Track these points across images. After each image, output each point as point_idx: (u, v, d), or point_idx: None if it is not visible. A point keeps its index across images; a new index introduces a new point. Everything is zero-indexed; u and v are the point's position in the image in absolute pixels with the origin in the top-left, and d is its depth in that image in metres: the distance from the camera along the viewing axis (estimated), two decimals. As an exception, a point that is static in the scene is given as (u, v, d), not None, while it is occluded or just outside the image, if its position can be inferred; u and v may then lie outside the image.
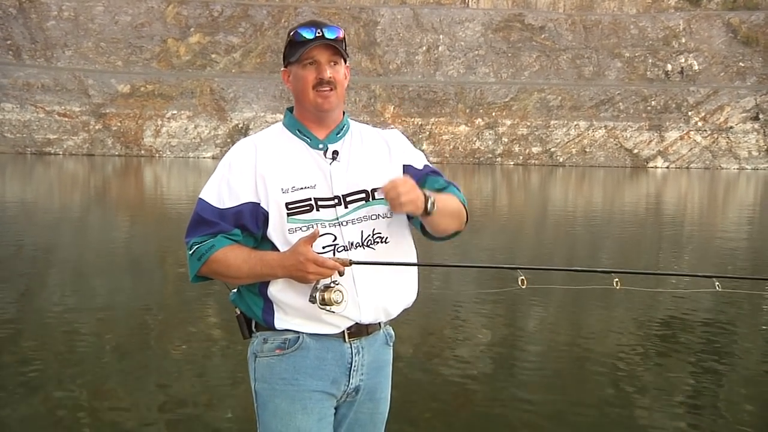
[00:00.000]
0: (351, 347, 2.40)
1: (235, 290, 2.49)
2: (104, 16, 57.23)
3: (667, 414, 5.16)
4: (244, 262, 2.32)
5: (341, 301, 2.28)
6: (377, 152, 2.49)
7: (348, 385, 2.42)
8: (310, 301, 2.31)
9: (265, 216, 2.35)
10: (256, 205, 2.35)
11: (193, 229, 2.38)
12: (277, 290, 2.37)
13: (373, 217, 2.41)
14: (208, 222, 2.36)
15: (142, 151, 52.25)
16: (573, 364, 6.33)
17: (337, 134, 2.45)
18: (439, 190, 2.47)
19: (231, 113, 53.89)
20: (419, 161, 2.53)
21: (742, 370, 6.33)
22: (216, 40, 58.28)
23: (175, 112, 53.68)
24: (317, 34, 2.36)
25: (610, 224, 18.51)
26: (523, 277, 2.44)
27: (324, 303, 2.28)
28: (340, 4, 61.48)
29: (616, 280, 2.52)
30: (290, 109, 2.53)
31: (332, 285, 2.28)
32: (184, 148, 52.72)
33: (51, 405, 5.01)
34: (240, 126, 53.29)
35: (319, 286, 2.29)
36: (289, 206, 2.34)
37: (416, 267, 2.55)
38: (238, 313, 2.48)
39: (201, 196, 2.40)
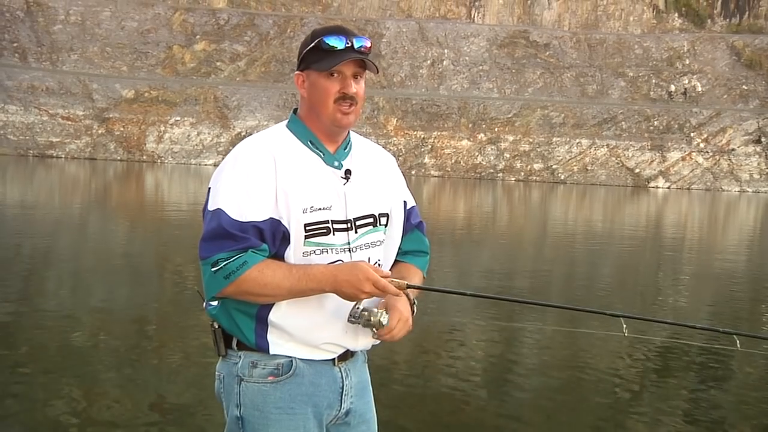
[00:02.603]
0: (341, 371, 2.36)
1: (216, 303, 2.29)
2: (111, 21, 57.40)
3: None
4: (284, 279, 2.14)
5: (386, 323, 2.23)
6: (381, 174, 2.44)
7: (340, 409, 2.36)
8: (349, 321, 2.24)
9: (284, 234, 2.20)
10: (277, 222, 2.18)
11: (215, 244, 2.14)
12: (279, 316, 2.24)
13: (378, 243, 2.38)
14: (233, 236, 2.13)
15: (144, 157, 52.28)
16: (568, 383, 6.31)
17: (345, 149, 2.35)
18: (415, 253, 2.53)
19: (234, 121, 53.98)
20: (410, 199, 2.55)
21: (739, 397, 6.31)
22: (221, 48, 58.44)
23: (178, 118, 53.76)
24: (347, 44, 2.23)
25: (611, 249, 18.49)
26: (625, 326, 2.47)
27: (370, 325, 2.23)
28: (347, 15, 61.68)
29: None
30: (295, 111, 2.38)
31: (377, 308, 2.24)
32: (186, 155, 52.76)
33: (45, 407, 5.00)
34: (243, 134, 53.32)
35: (362, 306, 2.22)
36: (308, 228, 2.21)
37: None
38: (216, 327, 2.32)
39: (221, 207, 2.16)
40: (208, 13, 59.63)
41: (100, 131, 52.33)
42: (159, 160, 52.13)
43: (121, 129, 52.75)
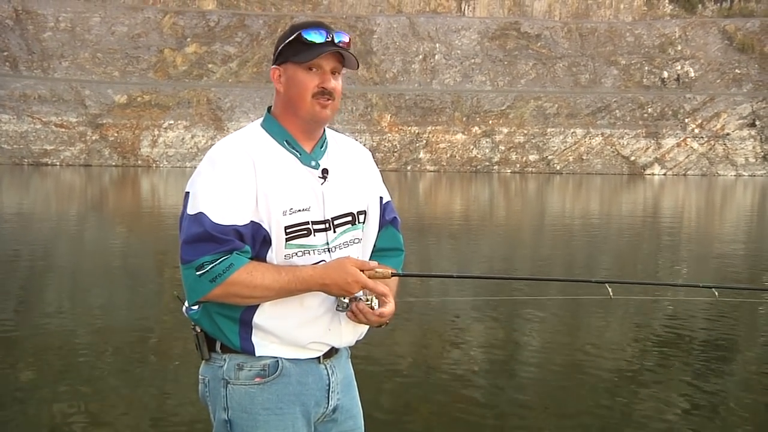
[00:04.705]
0: (326, 368, 2.36)
1: (197, 307, 2.27)
2: (101, 26, 57.27)
3: (665, 427, 5.13)
4: (274, 281, 2.14)
5: (377, 307, 2.25)
6: (358, 171, 2.43)
7: (327, 407, 2.37)
8: (337, 309, 2.25)
9: (264, 237, 2.18)
10: (257, 226, 2.17)
11: (199, 247, 2.11)
12: (263, 319, 2.23)
13: (356, 241, 2.38)
14: (217, 238, 2.10)
15: (139, 162, 52.22)
16: (570, 373, 6.30)
17: (321, 147, 2.33)
18: (389, 251, 2.51)
19: (228, 123, 53.88)
20: (386, 194, 2.53)
21: (741, 377, 6.30)
22: (212, 50, 58.33)
23: (171, 122, 53.68)
24: (327, 39, 2.22)
25: (608, 232, 18.49)
26: (610, 289, 2.47)
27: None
28: (337, 13, 61.61)
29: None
30: (269, 109, 2.35)
31: (362, 296, 2.24)
32: (181, 158, 52.69)
33: (46, 416, 4.98)
34: (237, 135, 53.17)
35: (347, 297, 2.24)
36: (288, 230, 2.20)
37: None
38: (198, 330, 2.29)
39: (202, 210, 2.13)
40: (198, 15, 59.51)
41: (94, 137, 52.25)
42: (154, 165, 52.08)
43: (115, 134, 52.66)
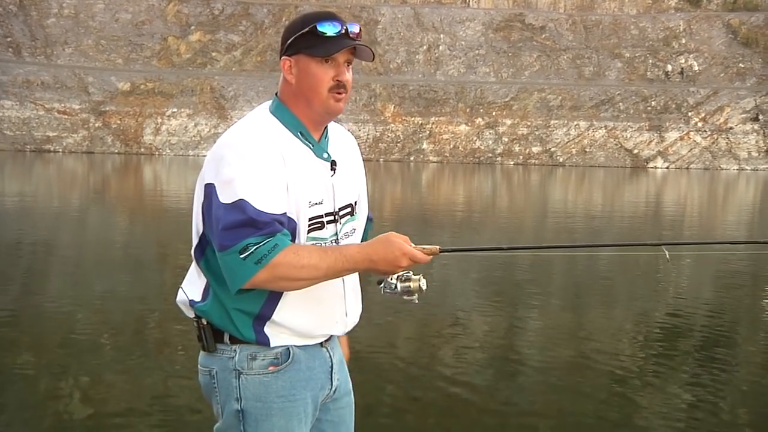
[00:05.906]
0: (328, 350, 2.40)
1: (205, 301, 2.27)
2: (105, 13, 57.11)
3: (667, 424, 5.15)
4: (321, 260, 2.11)
5: (426, 287, 2.26)
6: (353, 160, 2.46)
7: (331, 388, 2.41)
8: (386, 292, 2.30)
9: (293, 230, 2.18)
10: (289, 218, 2.17)
11: (242, 231, 2.06)
12: (282, 316, 2.24)
13: (355, 231, 2.41)
14: (259, 223, 2.06)
15: (142, 149, 52.16)
16: (573, 369, 6.31)
17: (325, 138, 2.34)
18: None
19: (231, 112, 53.76)
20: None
21: (744, 378, 6.32)
22: (216, 39, 58.18)
23: (175, 110, 53.59)
24: (342, 31, 2.20)
25: (611, 224, 18.49)
26: (667, 251, 2.49)
27: (410, 293, 2.25)
28: (341, 2, 61.38)
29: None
30: (277, 95, 2.32)
31: (411, 274, 2.24)
32: (184, 147, 52.63)
33: (47, 399, 5.00)
34: (240, 124, 53.07)
35: (394, 279, 2.26)
36: (309, 222, 2.22)
37: None
38: (204, 323, 2.28)
39: (243, 197, 2.07)
40: (202, 3, 59.31)
41: (96, 125, 52.18)
42: (157, 153, 52.02)
43: (118, 122, 52.58)
